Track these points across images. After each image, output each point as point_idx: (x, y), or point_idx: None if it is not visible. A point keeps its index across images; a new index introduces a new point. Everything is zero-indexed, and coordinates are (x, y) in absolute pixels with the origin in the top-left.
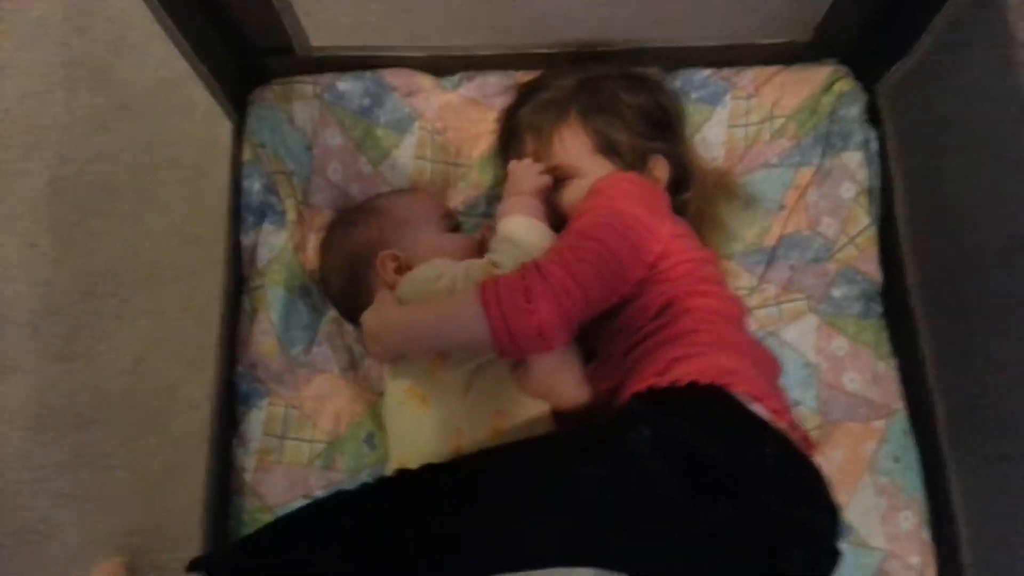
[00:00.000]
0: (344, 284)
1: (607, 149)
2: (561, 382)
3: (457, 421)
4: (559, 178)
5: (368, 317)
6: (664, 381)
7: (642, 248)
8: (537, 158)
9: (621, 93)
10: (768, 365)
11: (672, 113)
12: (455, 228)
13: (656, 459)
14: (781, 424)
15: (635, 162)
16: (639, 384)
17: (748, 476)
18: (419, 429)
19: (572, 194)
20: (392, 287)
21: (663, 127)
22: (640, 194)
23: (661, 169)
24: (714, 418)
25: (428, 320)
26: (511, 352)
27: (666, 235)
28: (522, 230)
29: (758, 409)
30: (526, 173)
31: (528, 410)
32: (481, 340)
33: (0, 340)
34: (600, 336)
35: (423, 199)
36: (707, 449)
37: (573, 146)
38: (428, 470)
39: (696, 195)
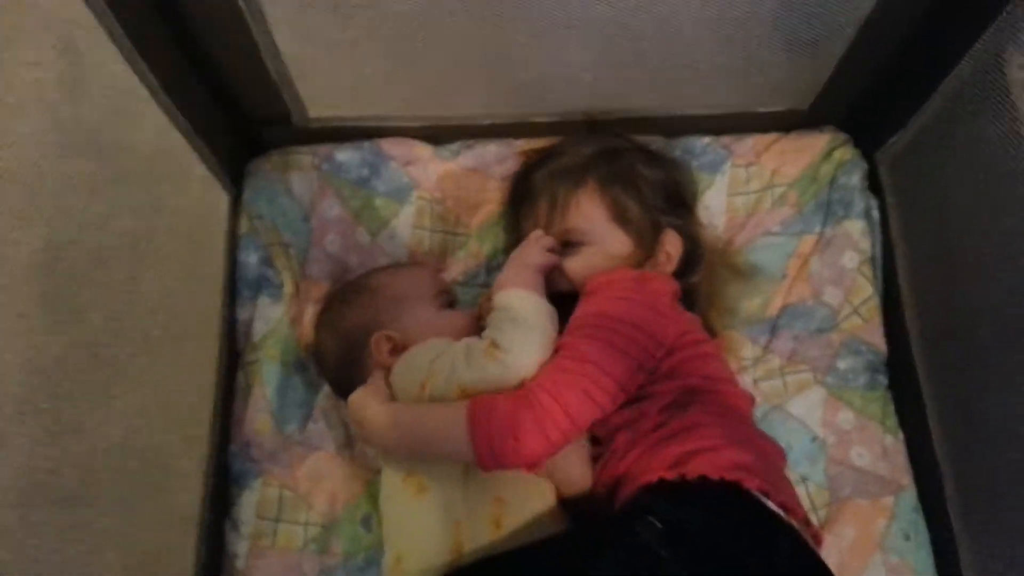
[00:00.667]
0: (339, 364)
1: (622, 219)
2: (568, 464)
3: (456, 511)
4: (570, 242)
5: (355, 400)
6: (673, 475)
7: (644, 360)
8: (548, 223)
9: (639, 166)
10: (776, 457)
11: (687, 191)
12: (451, 304)
13: (667, 550)
14: (793, 520)
15: (648, 235)
16: (647, 476)
17: (760, 570)
18: (416, 519)
19: (581, 261)
20: (387, 368)
21: (678, 203)
22: (643, 298)
23: (673, 244)
24: (726, 512)
25: (416, 428)
26: (495, 469)
27: (670, 338)
28: (521, 304)
29: (770, 504)
30: (535, 247)
31: (528, 498)
32: (466, 458)
33: None
34: (604, 424)
35: (418, 275)
36: (719, 541)
37: (589, 213)
38: None
39: (705, 278)
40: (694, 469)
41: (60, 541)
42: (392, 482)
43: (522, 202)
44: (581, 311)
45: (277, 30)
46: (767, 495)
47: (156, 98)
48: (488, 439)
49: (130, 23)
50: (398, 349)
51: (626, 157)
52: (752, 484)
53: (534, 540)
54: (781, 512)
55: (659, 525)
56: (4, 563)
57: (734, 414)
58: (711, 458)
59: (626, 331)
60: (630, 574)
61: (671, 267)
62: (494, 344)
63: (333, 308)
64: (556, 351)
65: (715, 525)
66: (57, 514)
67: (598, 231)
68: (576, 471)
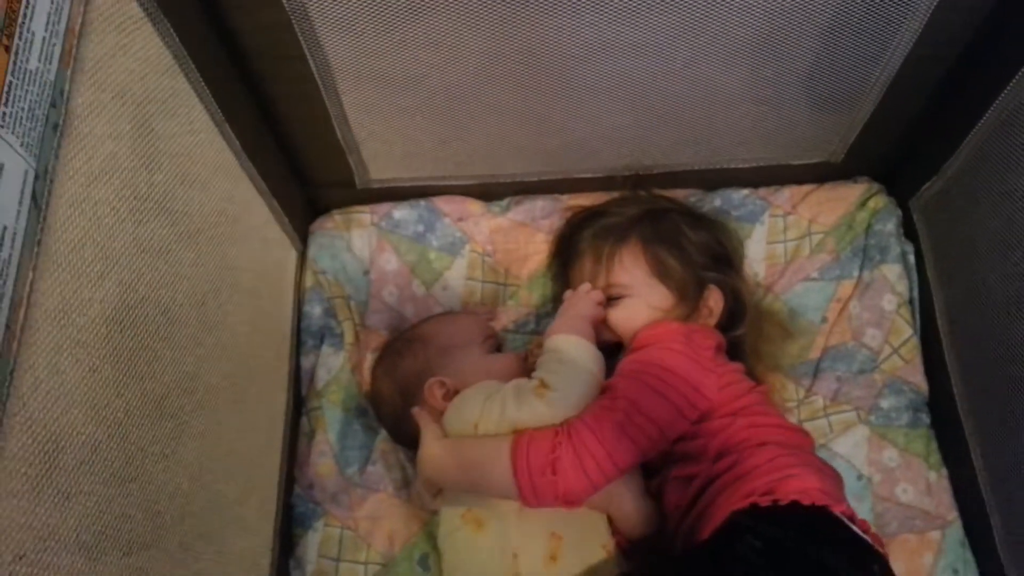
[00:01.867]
0: (395, 410)
1: (663, 274)
2: (620, 495)
3: (512, 545)
4: (612, 296)
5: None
6: (767, 501)
7: (684, 406)
8: (593, 277)
9: (684, 227)
10: (841, 485)
11: (731, 250)
12: (498, 348)
13: (766, 565)
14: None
15: (691, 290)
16: (737, 504)
17: None
18: (476, 554)
19: (623, 312)
20: (441, 412)
21: (721, 260)
22: (685, 349)
23: (715, 299)
24: (820, 534)
25: (465, 462)
26: (537, 507)
27: (712, 389)
28: (571, 347)
29: (856, 529)
30: (584, 299)
31: (584, 533)
32: (509, 494)
33: (58, 465)
34: (662, 457)
35: (466, 323)
36: (818, 559)
37: (631, 268)
38: None
39: (750, 331)
40: (784, 495)
41: None
42: (451, 519)
43: (569, 258)
44: (628, 359)
45: (347, 102)
46: (852, 520)
47: (239, 161)
48: (529, 473)
49: (221, 95)
50: (450, 394)
51: (670, 218)
52: (838, 509)
53: (591, 573)
54: (867, 537)
55: (757, 543)
56: None
57: (798, 446)
58: (797, 484)
59: (668, 377)
60: None
61: (713, 320)
62: (543, 384)
63: (388, 357)
64: (601, 393)
65: (812, 545)
66: (122, 559)
67: (639, 285)
68: (629, 505)
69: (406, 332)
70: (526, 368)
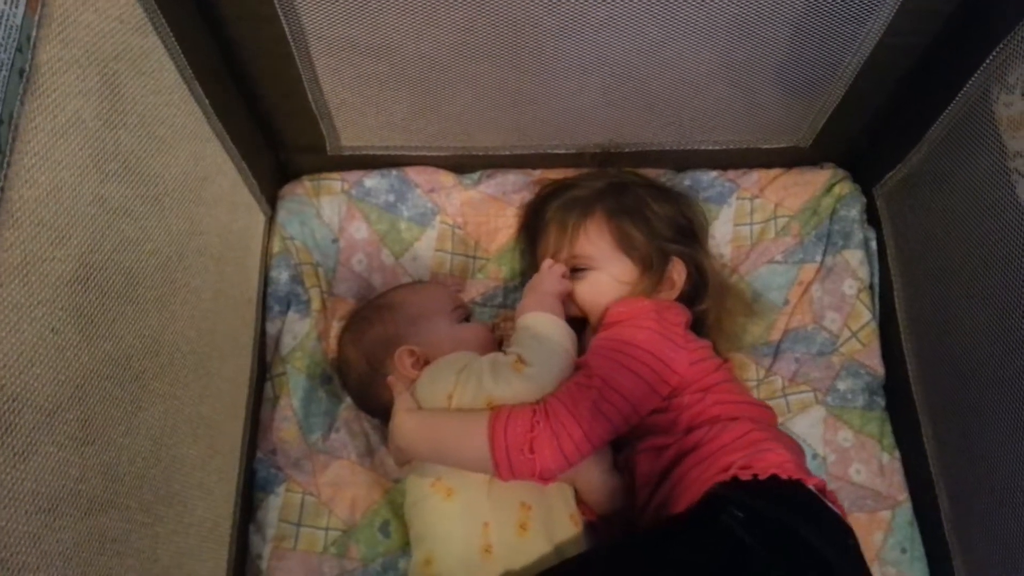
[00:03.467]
0: (360, 377)
1: (627, 247)
2: (587, 469)
3: (483, 514)
4: (577, 268)
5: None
6: (746, 474)
7: (656, 382)
8: (558, 249)
9: (649, 199)
10: (804, 459)
11: (696, 223)
12: (467, 318)
13: (749, 535)
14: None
15: (655, 263)
16: (711, 476)
17: (839, 560)
18: (446, 522)
19: (587, 286)
20: (411, 380)
21: (686, 234)
22: (657, 327)
23: (679, 272)
24: (801, 505)
25: (440, 435)
26: (511, 479)
27: (683, 365)
28: (544, 325)
29: (829, 504)
30: (550, 275)
31: (553, 503)
32: (483, 469)
33: (17, 424)
34: (633, 431)
35: (435, 292)
36: (798, 531)
37: (596, 240)
38: None
39: (712, 305)
40: (763, 470)
41: (83, 548)
42: (418, 488)
43: (535, 229)
44: (600, 336)
45: (320, 67)
46: (823, 493)
47: (209, 122)
48: (507, 450)
49: (192, 54)
50: (420, 363)
51: (635, 191)
52: (811, 483)
53: (559, 542)
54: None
55: (739, 514)
56: (29, 568)
57: (767, 422)
58: (773, 458)
59: (640, 355)
60: (712, 555)
61: (675, 293)
62: (520, 359)
63: (356, 324)
64: (575, 371)
65: (792, 516)
66: (81, 521)
67: (603, 257)
68: (596, 478)
69: (375, 299)
70: (494, 339)
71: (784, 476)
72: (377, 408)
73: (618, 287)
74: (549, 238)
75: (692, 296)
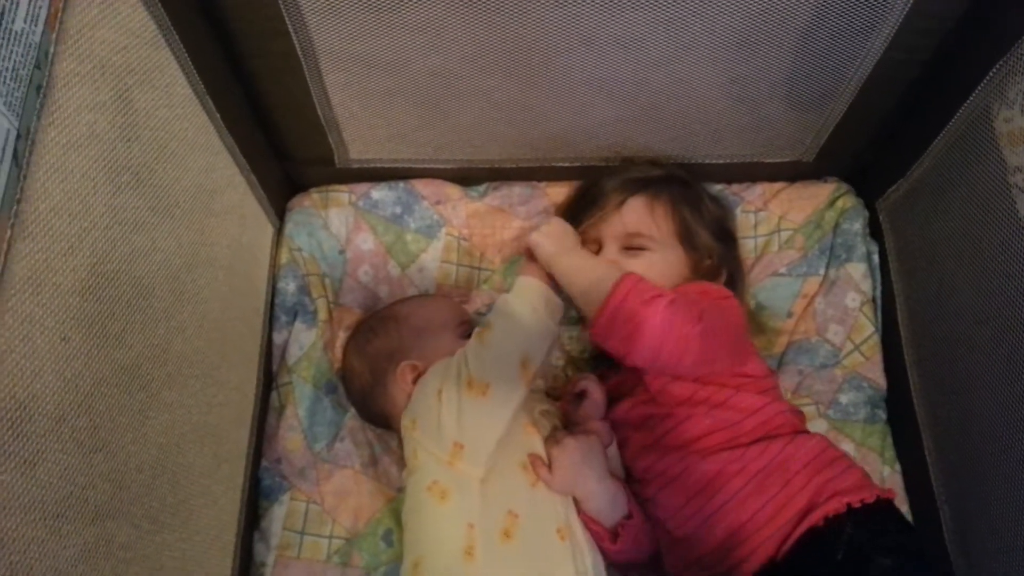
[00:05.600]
0: (364, 387)
1: (688, 240)
2: (583, 477)
3: (471, 515)
4: (633, 247)
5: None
6: (856, 500)
7: (739, 349)
8: (610, 223)
9: (705, 198)
10: None
11: (734, 231)
12: (471, 334)
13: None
14: None
15: (703, 260)
16: (830, 505)
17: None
18: (435, 525)
19: (641, 266)
20: (409, 395)
21: (727, 240)
22: (735, 315)
23: (720, 275)
24: (906, 523)
25: (577, 265)
26: (600, 332)
27: (753, 356)
28: (516, 292)
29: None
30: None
31: (541, 516)
32: (593, 308)
33: (26, 431)
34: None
35: (441, 306)
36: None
37: (661, 224)
38: None
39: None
40: (869, 493)
41: (89, 554)
42: (416, 493)
43: (587, 206)
44: (682, 288)
45: (329, 81)
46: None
47: (220, 135)
48: (624, 295)
49: (204, 68)
50: (420, 378)
51: (695, 187)
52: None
53: (542, 555)
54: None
55: (887, 562)
56: (36, 573)
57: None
58: (858, 476)
59: (732, 316)
60: None
61: None
62: (482, 328)
63: (361, 334)
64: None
65: (914, 538)
66: (88, 528)
67: (662, 242)
68: (593, 485)
69: (381, 311)
70: None
71: (884, 497)
72: (378, 417)
73: (668, 275)
74: (605, 213)
75: None
